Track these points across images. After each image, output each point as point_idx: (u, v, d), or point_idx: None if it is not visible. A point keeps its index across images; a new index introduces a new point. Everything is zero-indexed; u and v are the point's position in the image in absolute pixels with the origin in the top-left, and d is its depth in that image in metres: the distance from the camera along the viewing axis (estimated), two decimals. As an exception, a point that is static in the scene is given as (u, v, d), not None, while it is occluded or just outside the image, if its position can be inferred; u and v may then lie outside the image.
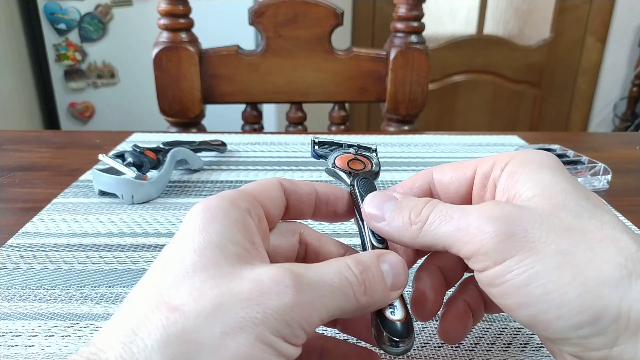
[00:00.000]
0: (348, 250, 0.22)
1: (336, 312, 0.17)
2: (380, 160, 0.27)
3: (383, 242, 0.21)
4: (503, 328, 0.26)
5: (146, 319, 0.14)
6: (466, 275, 0.23)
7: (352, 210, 0.23)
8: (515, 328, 0.26)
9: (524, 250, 0.16)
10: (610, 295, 0.15)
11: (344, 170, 0.24)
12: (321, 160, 0.26)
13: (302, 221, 0.22)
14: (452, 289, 0.23)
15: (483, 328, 0.26)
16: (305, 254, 0.22)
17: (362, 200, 0.21)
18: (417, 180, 0.23)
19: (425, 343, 0.25)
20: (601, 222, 0.17)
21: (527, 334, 0.25)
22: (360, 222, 0.22)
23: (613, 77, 1.90)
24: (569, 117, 2.01)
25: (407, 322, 0.18)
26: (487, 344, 0.25)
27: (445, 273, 0.22)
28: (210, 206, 0.18)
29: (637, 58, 1.83)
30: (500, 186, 0.20)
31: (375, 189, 0.23)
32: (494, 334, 0.25)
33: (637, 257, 0.16)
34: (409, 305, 0.20)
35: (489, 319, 0.27)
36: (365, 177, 0.24)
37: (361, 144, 0.27)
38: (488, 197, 0.21)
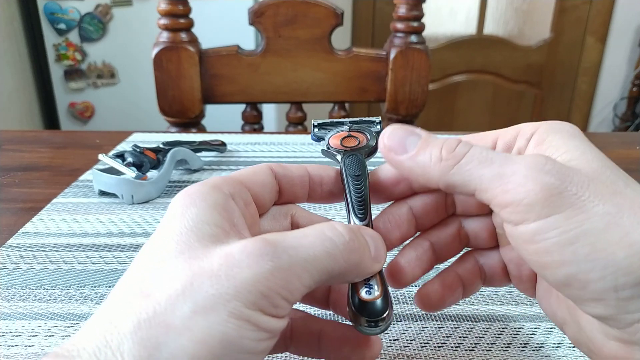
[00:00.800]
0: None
1: (322, 277, 0.16)
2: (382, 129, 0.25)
3: (365, 217, 0.20)
4: (503, 328, 0.26)
5: (122, 309, 0.14)
6: (465, 251, 0.22)
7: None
8: (515, 328, 0.26)
9: (574, 208, 0.15)
10: None
11: (337, 150, 0.23)
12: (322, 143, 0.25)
13: (301, 205, 0.22)
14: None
15: (483, 328, 0.26)
16: None
17: (347, 178, 0.21)
18: None
19: (425, 343, 0.25)
20: (636, 190, 0.17)
21: (527, 334, 0.25)
22: (346, 202, 0.21)
23: (613, 77, 1.90)
24: (569, 117, 2.01)
25: (385, 297, 0.17)
26: (487, 344, 0.25)
27: (437, 248, 0.22)
28: (189, 192, 0.17)
29: (637, 58, 1.83)
30: (528, 153, 0.19)
31: (365, 167, 0.22)
32: (494, 334, 0.25)
33: None
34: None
35: (489, 318, 0.27)
36: (354, 154, 0.23)
37: (364, 119, 0.26)
38: None
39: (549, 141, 0.18)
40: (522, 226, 0.16)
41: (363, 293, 0.17)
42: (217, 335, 0.14)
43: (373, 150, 0.23)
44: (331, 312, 0.22)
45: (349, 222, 0.20)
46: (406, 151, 0.18)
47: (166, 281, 0.15)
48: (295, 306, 0.17)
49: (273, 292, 0.15)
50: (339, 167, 0.22)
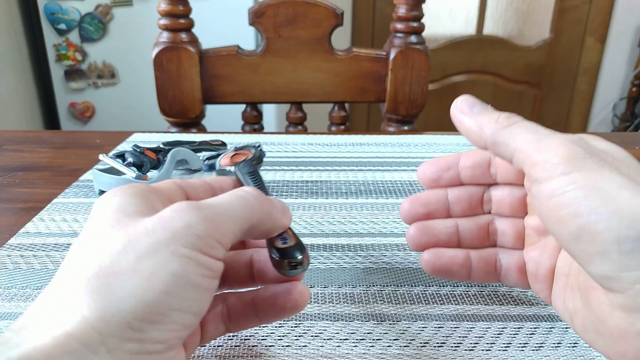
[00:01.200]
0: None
1: (244, 224, 0.18)
2: (264, 152, 0.31)
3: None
4: (503, 328, 0.26)
5: (68, 276, 0.16)
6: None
7: None
8: (515, 328, 0.26)
9: (592, 170, 0.17)
10: None
11: (228, 165, 0.27)
12: (215, 171, 0.29)
13: None
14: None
15: (483, 328, 0.26)
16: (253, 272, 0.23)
17: (246, 178, 0.25)
18: (477, 152, 0.25)
19: (425, 343, 0.25)
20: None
21: (527, 334, 0.26)
22: None
23: (613, 77, 1.90)
24: (568, 117, 2.01)
25: (298, 244, 0.21)
26: (487, 343, 0.25)
27: (462, 233, 0.25)
28: (106, 194, 0.19)
29: (636, 58, 1.83)
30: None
31: (257, 171, 0.26)
32: (494, 334, 0.26)
33: None
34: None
35: (489, 318, 0.27)
36: (244, 162, 0.27)
37: (247, 144, 0.30)
38: None
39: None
40: (546, 183, 0.18)
41: (280, 244, 0.21)
42: (165, 271, 0.15)
43: (260, 158, 0.28)
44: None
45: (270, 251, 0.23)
46: (472, 112, 0.21)
47: (105, 245, 0.16)
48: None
49: (206, 234, 0.17)
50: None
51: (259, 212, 0.19)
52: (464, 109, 0.22)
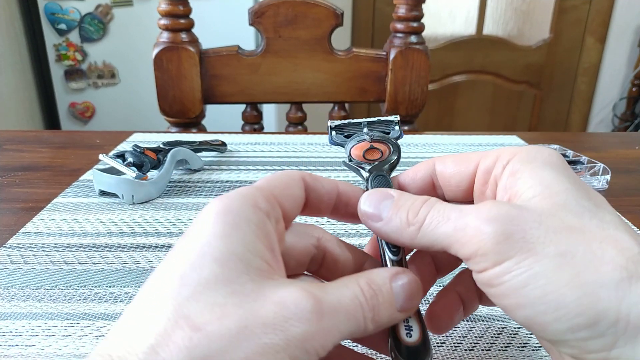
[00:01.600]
0: (368, 259, 0.21)
1: (346, 336, 0.16)
2: (402, 132, 0.26)
3: (398, 252, 0.20)
4: (503, 328, 0.26)
5: (167, 336, 0.14)
6: (463, 265, 0.23)
7: None
8: (515, 328, 0.26)
9: (523, 251, 0.16)
10: (609, 298, 0.15)
11: (360, 164, 0.23)
12: (339, 146, 0.25)
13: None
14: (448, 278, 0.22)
15: (482, 328, 0.26)
16: (324, 260, 0.21)
17: None
18: (420, 170, 0.22)
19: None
20: (602, 221, 0.17)
21: (527, 334, 0.26)
22: None
23: (612, 77, 1.90)
24: (568, 117, 2.01)
25: (424, 341, 0.18)
26: (487, 343, 0.25)
27: (437, 262, 0.22)
28: (231, 209, 0.17)
29: (636, 58, 1.83)
30: (501, 184, 0.19)
31: (390, 187, 0.22)
32: (494, 334, 0.26)
33: (639, 259, 0.16)
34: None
35: (489, 318, 0.27)
36: (381, 173, 0.22)
37: (381, 118, 0.26)
38: (489, 193, 0.20)
39: (520, 173, 0.19)
40: (484, 273, 0.17)
41: (403, 335, 0.18)
42: None
43: (396, 163, 0.24)
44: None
45: (382, 254, 0.20)
46: (381, 218, 0.19)
47: (218, 315, 0.14)
48: None
49: (313, 349, 0.15)
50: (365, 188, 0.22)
51: (363, 330, 0.17)
52: (372, 216, 0.19)
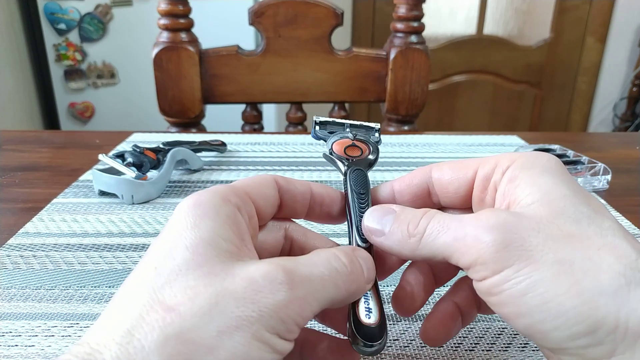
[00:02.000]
0: (333, 246, 0.22)
1: (326, 304, 0.17)
2: (382, 139, 0.27)
3: (367, 242, 0.21)
4: (503, 328, 0.26)
5: (142, 319, 0.14)
6: (461, 274, 0.22)
7: (345, 213, 0.22)
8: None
9: (522, 260, 0.16)
10: (607, 305, 0.15)
11: (340, 158, 0.24)
12: (321, 142, 0.26)
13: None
14: (446, 287, 0.22)
15: (483, 328, 0.26)
16: (291, 249, 0.22)
17: (352, 194, 0.22)
18: (416, 177, 0.22)
19: (425, 343, 0.25)
20: (601, 228, 0.17)
21: (527, 334, 0.25)
22: (348, 216, 0.22)
23: (613, 77, 1.90)
24: (568, 117, 2.01)
25: (381, 324, 0.18)
26: (487, 344, 0.25)
27: (435, 271, 0.22)
28: (201, 201, 0.17)
29: (637, 58, 1.83)
30: (500, 190, 0.19)
31: (368, 184, 0.22)
32: (494, 334, 0.25)
33: (637, 266, 0.16)
34: (389, 301, 0.20)
35: (489, 318, 0.27)
36: (359, 168, 0.23)
37: (364, 124, 0.27)
38: (488, 199, 0.20)
39: (519, 180, 0.19)
40: (484, 282, 0.17)
41: (363, 315, 0.19)
42: (241, 355, 0.14)
43: (373, 163, 0.24)
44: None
45: (350, 239, 0.21)
46: (383, 233, 0.20)
47: (189, 296, 0.15)
48: None
49: (290, 318, 0.15)
50: (343, 187, 0.23)
51: (345, 293, 0.17)
52: (375, 231, 0.20)
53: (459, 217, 0.18)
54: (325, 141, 0.25)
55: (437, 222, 0.18)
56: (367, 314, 0.19)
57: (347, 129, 0.26)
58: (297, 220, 0.22)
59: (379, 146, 0.25)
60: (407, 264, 0.22)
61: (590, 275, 0.15)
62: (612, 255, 0.16)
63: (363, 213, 0.21)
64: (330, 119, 0.27)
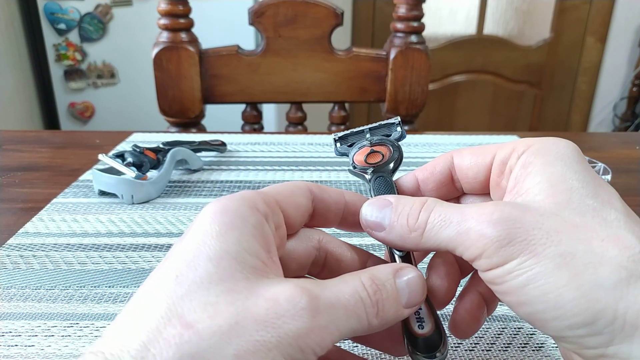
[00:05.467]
0: (370, 258, 0.21)
1: (348, 334, 0.16)
2: (404, 131, 0.25)
3: (406, 253, 0.20)
4: (503, 328, 0.26)
5: (159, 333, 0.14)
6: None
7: None
8: (515, 328, 0.26)
9: (525, 253, 0.16)
10: (606, 298, 0.15)
11: (363, 169, 0.23)
12: (344, 157, 0.25)
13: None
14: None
15: (483, 328, 0.26)
16: (325, 262, 0.21)
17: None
18: (438, 164, 0.22)
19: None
20: (605, 220, 0.17)
21: (527, 334, 0.25)
22: None
23: (613, 77, 1.90)
24: (568, 117, 2.01)
25: (437, 331, 0.18)
26: (487, 343, 0.25)
27: (459, 261, 0.21)
28: (228, 209, 0.17)
29: (637, 58, 1.83)
30: (513, 175, 0.19)
31: (392, 188, 0.22)
32: (494, 334, 0.25)
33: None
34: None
35: (489, 318, 0.27)
36: (381, 174, 0.23)
37: (382, 122, 0.26)
38: (504, 183, 0.20)
39: (532, 166, 0.19)
40: (488, 272, 0.17)
41: (415, 327, 0.18)
42: None
43: (398, 163, 0.23)
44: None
45: (390, 254, 0.20)
46: (383, 227, 0.19)
47: (209, 314, 0.14)
48: None
49: (309, 347, 0.15)
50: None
51: (367, 327, 0.16)
52: (373, 226, 0.20)
53: (459, 208, 0.18)
54: (348, 156, 0.25)
55: (438, 215, 0.18)
56: (420, 325, 0.18)
57: (367, 135, 0.25)
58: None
59: (401, 141, 0.25)
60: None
61: (591, 268, 0.16)
62: (615, 247, 0.16)
63: None
64: (349, 131, 0.26)
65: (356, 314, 0.16)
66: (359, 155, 0.24)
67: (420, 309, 0.18)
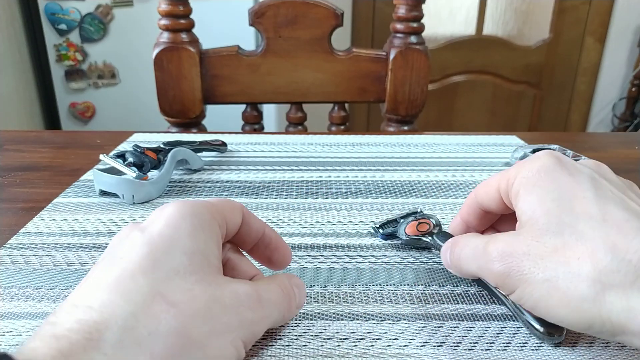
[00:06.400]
0: (258, 273, 0.24)
1: (273, 325, 0.21)
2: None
3: None
4: (502, 327, 0.26)
5: (146, 307, 0.16)
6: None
7: (281, 262, 0.26)
8: (514, 328, 0.26)
9: (521, 282, 0.20)
10: (591, 310, 0.18)
11: (421, 235, 0.31)
12: (389, 237, 0.34)
13: None
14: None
15: (482, 327, 0.26)
16: (224, 267, 0.23)
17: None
18: (469, 205, 0.28)
19: (424, 342, 0.25)
20: (581, 235, 0.19)
21: (526, 333, 0.26)
22: None
23: (612, 77, 1.90)
24: (568, 117, 2.01)
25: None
26: (487, 343, 0.25)
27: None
28: (196, 213, 0.20)
29: (636, 58, 1.83)
30: (512, 203, 0.24)
31: (449, 235, 0.29)
32: (494, 333, 0.26)
33: (610, 267, 0.18)
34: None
35: (488, 318, 0.27)
36: (444, 231, 0.31)
37: (408, 212, 0.34)
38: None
39: (519, 195, 0.23)
40: (510, 297, 0.22)
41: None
42: (221, 356, 0.18)
43: (440, 225, 0.32)
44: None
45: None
46: (449, 264, 0.26)
47: (189, 297, 0.17)
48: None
49: (258, 332, 0.20)
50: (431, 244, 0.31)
51: (281, 320, 0.22)
52: (446, 266, 0.26)
53: (477, 247, 0.23)
54: (393, 236, 0.33)
55: (465, 254, 0.24)
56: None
57: (401, 220, 0.34)
58: None
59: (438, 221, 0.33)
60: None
61: (573, 287, 0.19)
62: (589, 263, 0.19)
63: None
64: (385, 220, 0.34)
65: (279, 310, 0.21)
66: (410, 227, 0.32)
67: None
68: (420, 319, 0.26)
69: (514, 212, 0.24)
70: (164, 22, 0.65)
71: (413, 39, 0.68)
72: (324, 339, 0.25)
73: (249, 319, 0.19)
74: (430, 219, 0.32)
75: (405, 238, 0.32)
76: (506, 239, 0.21)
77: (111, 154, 0.42)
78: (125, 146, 0.54)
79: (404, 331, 0.26)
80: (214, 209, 0.21)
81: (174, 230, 0.19)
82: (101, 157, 0.41)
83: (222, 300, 0.18)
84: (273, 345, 0.24)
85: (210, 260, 0.19)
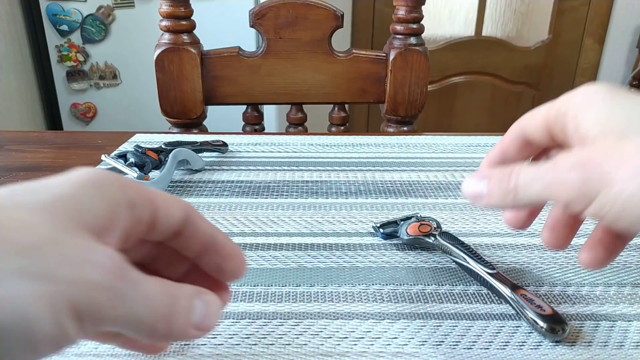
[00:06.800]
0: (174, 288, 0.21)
1: (132, 326, 0.16)
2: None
3: (494, 268, 0.28)
4: (501, 326, 0.26)
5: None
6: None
7: (234, 272, 0.21)
8: (513, 326, 0.26)
9: (604, 185, 0.17)
10: None
11: (424, 235, 0.32)
12: (389, 237, 0.34)
13: None
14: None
15: (481, 326, 0.26)
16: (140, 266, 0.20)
17: (457, 248, 0.30)
18: (512, 132, 0.27)
19: (423, 341, 0.25)
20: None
21: (526, 332, 0.26)
22: (466, 264, 0.30)
23: (611, 78, 1.90)
24: (568, 118, 2.01)
25: (556, 313, 0.25)
26: (485, 342, 0.25)
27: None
28: (99, 177, 0.19)
29: (635, 59, 1.84)
30: (570, 126, 0.21)
31: (454, 236, 0.31)
32: (492, 332, 0.26)
33: None
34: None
35: (488, 317, 0.27)
36: (447, 232, 0.32)
37: (408, 215, 0.35)
38: (569, 132, 0.22)
39: (580, 117, 0.21)
40: (584, 213, 0.19)
41: (538, 310, 0.26)
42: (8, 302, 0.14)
43: (440, 225, 0.33)
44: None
45: (473, 269, 0.29)
46: (482, 197, 0.22)
47: (29, 236, 0.15)
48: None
49: (101, 315, 0.15)
50: (431, 243, 0.32)
51: (150, 328, 0.17)
52: (474, 198, 0.22)
53: (542, 164, 0.20)
54: (394, 235, 0.34)
55: (525, 175, 0.20)
56: (540, 308, 0.25)
57: (401, 222, 0.34)
58: None
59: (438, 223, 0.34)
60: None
61: None
62: None
63: (472, 252, 0.29)
64: (385, 221, 0.35)
65: (150, 307, 0.16)
66: (411, 228, 0.33)
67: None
68: (419, 318, 0.27)
69: (556, 147, 0.23)
70: (165, 23, 0.66)
71: (413, 40, 0.68)
72: (324, 337, 0.25)
73: (95, 281, 0.15)
74: (431, 222, 0.33)
75: (406, 238, 0.32)
76: (578, 152, 0.19)
77: (113, 154, 0.43)
78: (127, 146, 0.54)
79: (403, 330, 0.26)
80: (139, 186, 0.18)
81: (60, 180, 0.18)
82: (103, 157, 0.41)
83: (63, 245, 0.15)
84: (273, 344, 0.24)
85: (84, 215, 0.16)
